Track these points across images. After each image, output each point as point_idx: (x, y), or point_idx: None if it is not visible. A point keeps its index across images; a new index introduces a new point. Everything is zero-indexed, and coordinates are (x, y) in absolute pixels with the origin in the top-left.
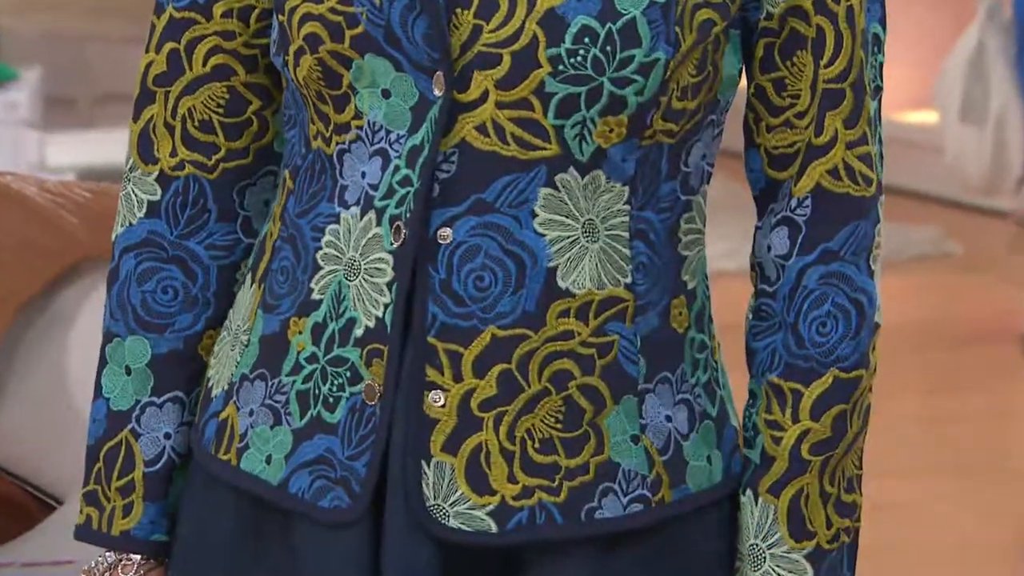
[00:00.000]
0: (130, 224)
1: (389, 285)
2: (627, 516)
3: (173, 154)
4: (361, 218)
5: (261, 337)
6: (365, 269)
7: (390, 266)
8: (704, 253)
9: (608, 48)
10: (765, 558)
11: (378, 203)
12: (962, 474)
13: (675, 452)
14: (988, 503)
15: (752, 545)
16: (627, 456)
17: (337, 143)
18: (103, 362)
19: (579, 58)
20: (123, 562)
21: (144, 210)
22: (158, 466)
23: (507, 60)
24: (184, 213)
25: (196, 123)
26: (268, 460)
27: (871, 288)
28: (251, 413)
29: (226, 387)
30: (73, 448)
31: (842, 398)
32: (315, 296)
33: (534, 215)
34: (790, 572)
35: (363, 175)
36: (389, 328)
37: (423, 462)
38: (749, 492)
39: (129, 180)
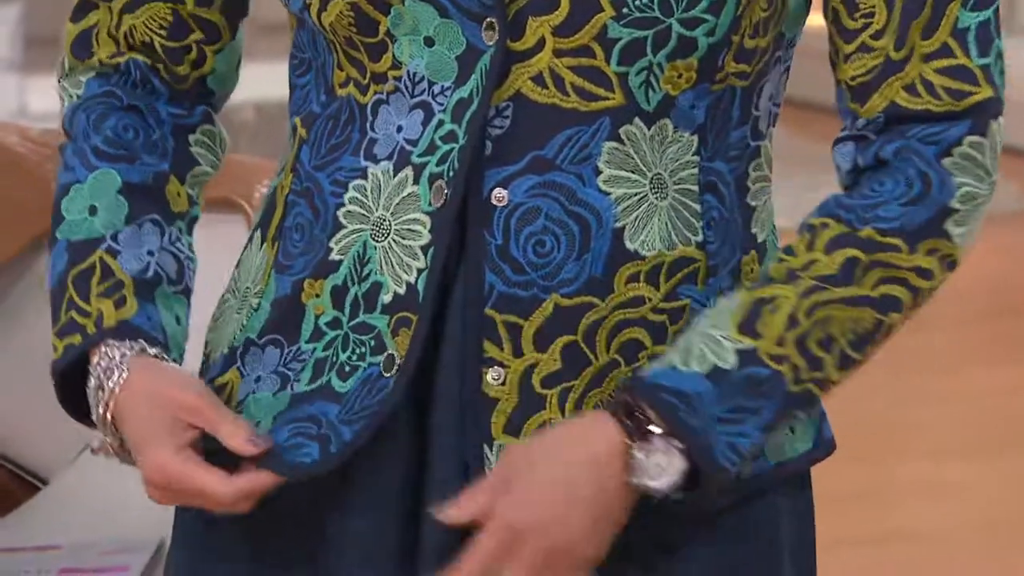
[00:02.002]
0: (76, 96)
1: (425, 249)
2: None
3: (113, 55)
4: (394, 175)
5: (274, 300)
6: (396, 230)
7: (427, 228)
8: (772, 202)
9: None
10: (698, 334)
11: (416, 159)
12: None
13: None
14: None
15: (698, 321)
16: None
17: (375, 92)
18: (55, 222)
19: None
20: (135, 351)
21: (91, 76)
22: (148, 275)
23: (565, 4)
24: (134, 90)
25: (138, 43)
26: (257, 425)
27: (946, 177)
28: (258, 379)
29: (226, 351)
30: (58, 423)
31: (863, 248)
32: (334, 256)
33: (598, 172)
34: (711, 352)
35: (399, 129)
36: (421, 296)
37: (485, 446)
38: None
39: (68, 77)
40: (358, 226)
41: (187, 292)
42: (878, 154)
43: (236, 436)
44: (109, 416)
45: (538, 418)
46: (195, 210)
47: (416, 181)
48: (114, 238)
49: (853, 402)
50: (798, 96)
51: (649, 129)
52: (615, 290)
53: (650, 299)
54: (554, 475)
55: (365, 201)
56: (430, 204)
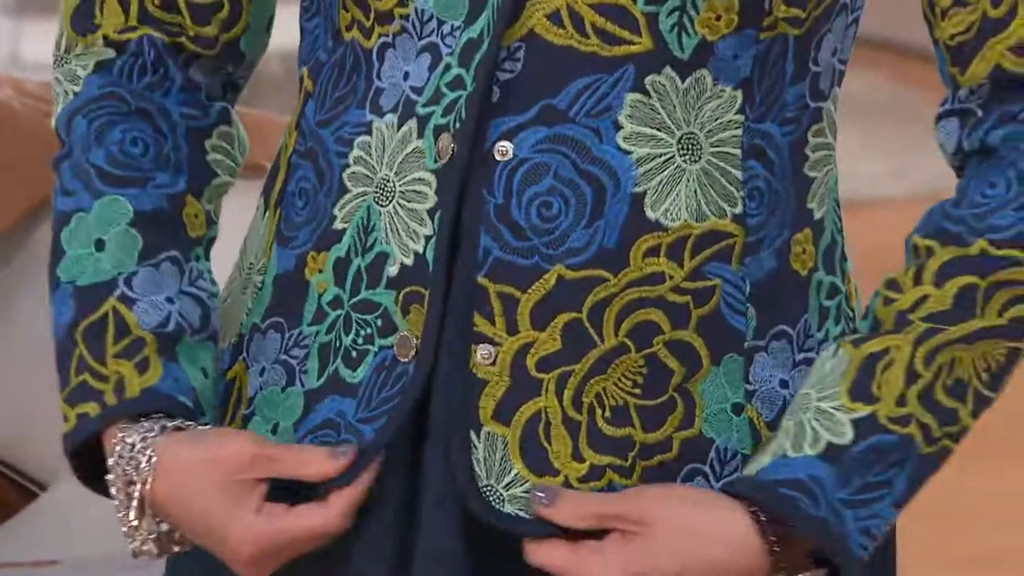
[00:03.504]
0: (73, 93)
1: (431, 213)
2: None
3: (122, 30)
4: (398, 128)
5: (276, 277)
6: (401, 192)
7: (432, 189)
8: (835, 173)
9: None
10: (807, 409)
11: (420, 110)
12: None
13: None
14: None
15: (804, 395)
16: (725, 430)
17: (380, 35)
18: (56, 255)
19: None
20: (155, 432)
21: (91, 70)
22: (168, 329)
23: None
24: (143, 78)
25: (156, 5)
26: (275, 429)
27: None
28: (262, 372)
29: (235, 340)
30: (57, 421)
31: (976, 271)
32: (338, 225)
33: (618, 127)
34: (824, 429)
35: (406, 76)
36: (431, 266)
37: (471, 432)
38: (831, 347)
39: (64, 63)
40: (362, 189)
41: (213, 336)
42: (985, 139)
43: (320, 462)
44: (147, 511)
45: (532, 405)
46: (213, 230)
47: (420, 134)
48: (128, 283)
49: None
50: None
51: (683, 81)
52: (630, 264)
53: (671, 276)
54: (688, 555)
55: (369, 160)
56: (435, 160)
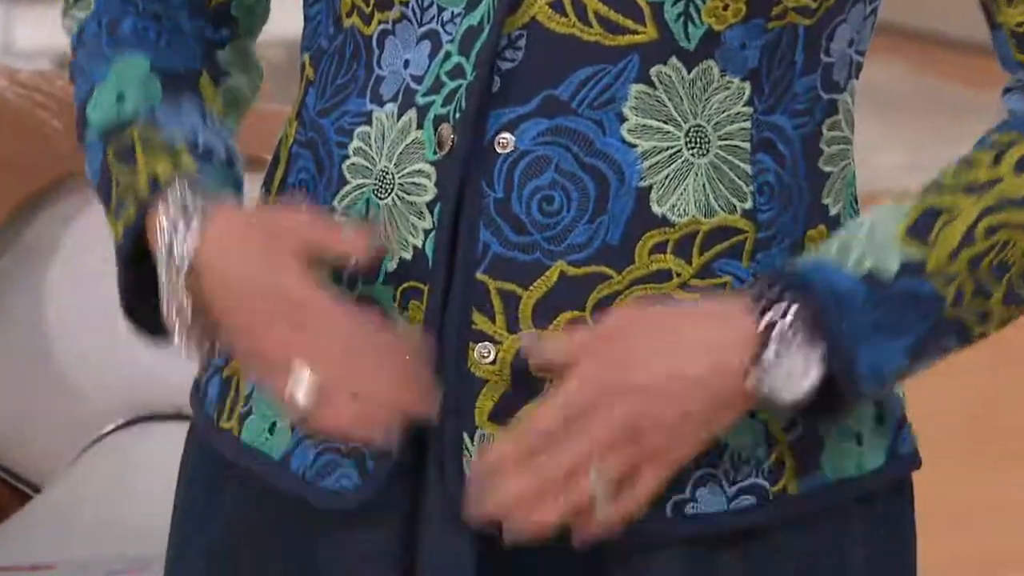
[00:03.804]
0: (86, 15)
1: (431, 206)
2: (732, 513)
3: None
4: (398, 118)
5: None
6: (400, 184)
7: (432, 181)
8: (853, 168)
9: None
10: (858, 233)
11: (420, 99)
12: None
13: (807, 429)
14: None
15: (857, 222)
16: (738, 433)
17: (380, 21)
18: (82, 130)
19: None
20: (195, 200)
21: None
22: (198, 146)
23: None
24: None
25: None
26: (272, 428)
27: None
28: None
29: None
30: (53, 420)
31: None
32: (336, 219)
33: (622, 119)
34: (872, 257)
35: (406, 64)
36: (431, 261)
37: (465, 435)
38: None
39: (69, 13)
40: (361, 181)
41: (239, 185)
42: None
43: (355, 246)
44: (185, 276)
45: (532, 407)
46: (231, 134)
47: (420, 125)
48: (151, 113)
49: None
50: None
51: (689, 72)
52: (635, 261)
53: (679, 274)
54: (668, 344)
55: (368, 151)
56: (435, 152)
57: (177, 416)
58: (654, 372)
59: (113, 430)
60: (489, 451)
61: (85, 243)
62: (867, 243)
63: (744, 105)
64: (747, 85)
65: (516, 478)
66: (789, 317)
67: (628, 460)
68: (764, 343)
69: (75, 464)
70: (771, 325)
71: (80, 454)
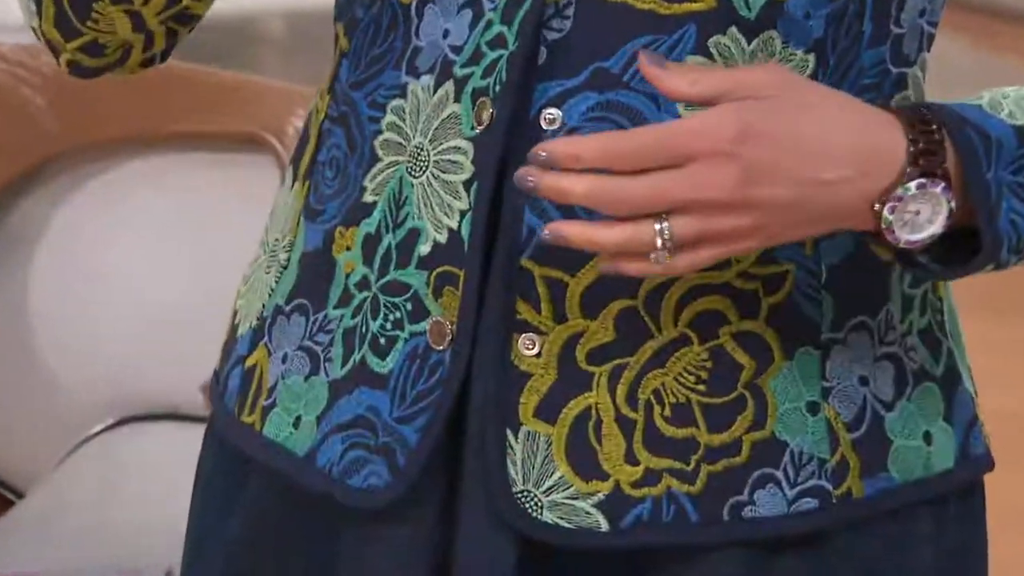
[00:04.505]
0: None
1: (467, 185)
2: (792, 516)
3: None
4: (434, 91)
5: (302, 255)
6: (435, 162)
7: (469, 158)
8: None
9: None
10: (1003, 97)
11: (459, 71)
12: None
13: (873, 427)
14: None
15: (997, 90)
16: (799, 431)
17: None
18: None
19: None
20: None
21: None
22: None
23: None
24: None
25: None
26: (296, 423)
27: None
28: (284, 358)
29: (255, 323)
30: (35, 420)
31: None
32: (368, 197)
33: None
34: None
35: (445, 34)
36: (467, 245)
37: (508, 432)
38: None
39: None
40: (394, 158)
41: None
42: None
43: None
44: None
45: (581, 401)
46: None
47: (457, 98)
48: None
49: None
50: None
51: (749, 43)
52: None
53: (738, 261)
54: (818, 113)
55: (402, 126)
56: (473, 127)
57: (172, 416)
58: (799, 133)
59: (101, 431)
60: (566, 141)
61: (72, 229)
62: (1015, 107)
63: (808, 78)
64: (811, 58)
65: (576, 178)
66: (940, 155)
67: (709, 230)
68: (904, 173)
69: (60, 467)
70: (921, 153)
71: (66, 457)
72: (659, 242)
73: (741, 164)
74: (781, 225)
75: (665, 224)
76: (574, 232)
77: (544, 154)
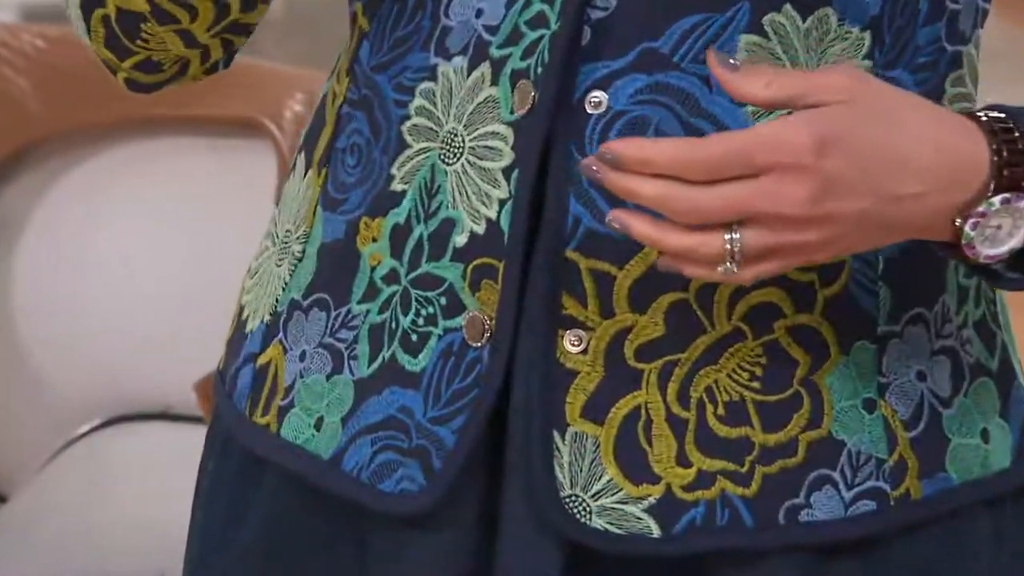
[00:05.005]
0: None
1: (507, 172)
2: (850, 520)
3: None
4: (468, 73)
5: (321, 247)
6: (471, 148)
7: (509, 144)
8: None
9: None
10: None
11: (495, 52)
12: None
13: (931, 425)
14: None
15: None
16: (856, 430)
17: None
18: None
19: None
20: None
21: None
22: None
23: None
24: None
25: None
26: (319, 424)
27: None
28: (303, 356)
29: (268, 318)
30: (19, 420)
31: None
32: (396, 186)
33: None
34: None
35: (478, 13)
36: (507, 236)
37: (555, 433)
38: None
39: None
40: (425, 144)
41: None
42: None
43: None
44: None
45: (629, 400)
46: None
47: (495, 81)
48: None
49: None
50: None
51: (804, 20)
52: None
53: None
54: (896, 121)
55: (433, 111)
56: (512, 111)
57: (163, 415)
58: (883, 143)
59: (89, 431)
60: (637, 144)
61: (57, 218)
62: None
63: (864, 58)
64: (867, 36)
65: (645, 179)
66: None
67: (779, 242)
68: (988, 187)
69: (45, 469)
70: (1006, 165)
71: (51, 458)
72: (728, 254)
73: (817, 178)
74: (854, 238)
75: (736, 235)
76: (640, 229)
77: (611, 154)
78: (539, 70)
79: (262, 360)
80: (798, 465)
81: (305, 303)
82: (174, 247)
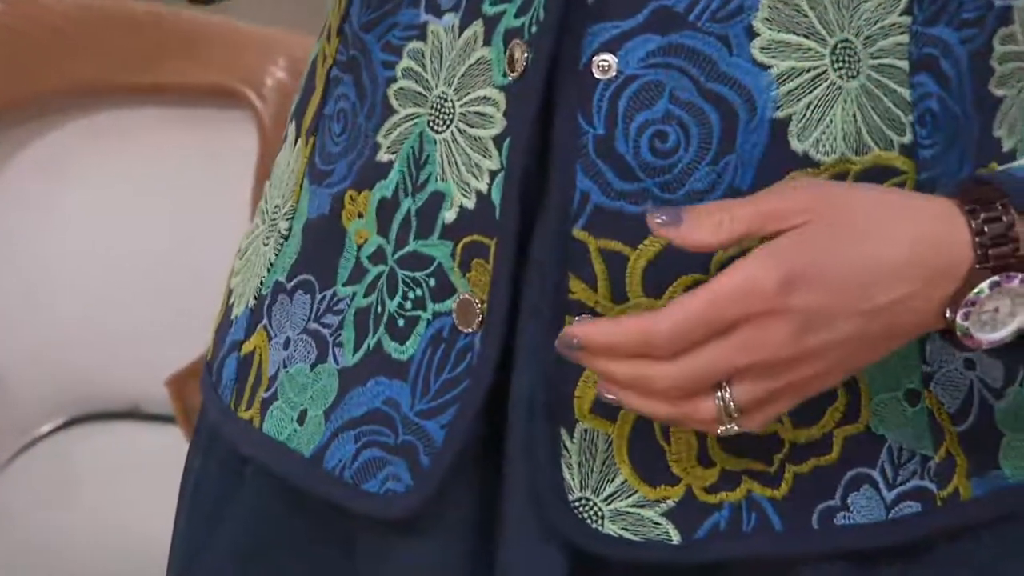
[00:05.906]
0: None
1: (498, 141)
2: (893, 523)
3: None
4: (459, 33)
5: (306, 223)
6: (461, 115)
7: (500, 111)
8: None
9: None
10: None
11: (489, 8)
12: None
13: (981, 418)
14: None
15: None
16: (897, 425)
17: None
18: None
19: None
20: None
21: None
22: None
23: None
24: None
25: None
26: (301, 418)
27: None
28: (287, 343)
29: (252, 302)
30: None
31: None
32: (383, 156)
33: (753, 34)
34: None
35: None
36: (499, 211)
37: (562, 430)
38: None
39: None
40: (412, 110)
41: None
42: None
43: None
44: None
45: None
46: None
47: (487, 41)
48: None
49: None
50: None
51: None
52: None
53: None
54: (861, 228)
55: (422, 73)
56: (505, 74)
57: (131, 414)
58: (853, 269)
59: (51, 431)
60: (602, 331)
61: (11, 200)
62: None
63: (901, 14)
64: None
65: (618, 364)
66: (1011, 242)
67: (774, 388)
68: (980, 263)
69: (5, 472)
70: (991, 244)
71: (10, 460)
72: (723, 412)
73: (794, 317)
74: (851, 361)
75: (726, 393)
76: (632, 403)
77: (576, 340)
78: (534, 29)
79: (246, 348)
80: (833, 463)
81: (289, 285)
82: (144, 231)
